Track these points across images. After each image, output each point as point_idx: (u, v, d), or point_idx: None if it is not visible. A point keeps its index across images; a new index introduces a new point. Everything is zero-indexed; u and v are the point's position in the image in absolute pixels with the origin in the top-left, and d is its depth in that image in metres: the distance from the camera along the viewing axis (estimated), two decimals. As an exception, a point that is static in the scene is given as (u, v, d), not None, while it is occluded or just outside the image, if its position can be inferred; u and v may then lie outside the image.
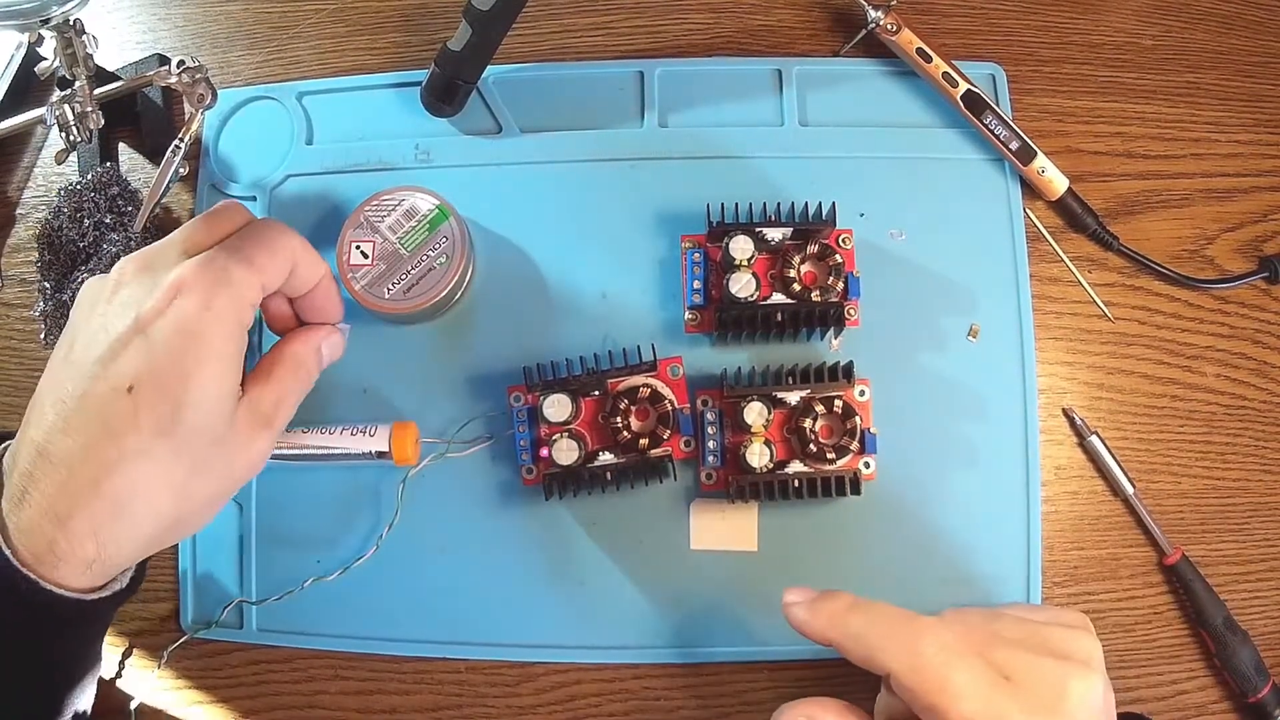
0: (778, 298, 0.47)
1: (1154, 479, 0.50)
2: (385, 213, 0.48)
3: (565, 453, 0.45)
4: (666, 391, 0.46)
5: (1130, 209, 0.52)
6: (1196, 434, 0.50)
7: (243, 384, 0.40)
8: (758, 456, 0.45)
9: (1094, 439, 0.49)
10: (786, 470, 0.45)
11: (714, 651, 0.48)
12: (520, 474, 0.47)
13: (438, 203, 0.48)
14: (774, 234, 0.47)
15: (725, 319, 0.47)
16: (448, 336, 0.50)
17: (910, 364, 0.49)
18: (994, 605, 0.43)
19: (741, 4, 0.55)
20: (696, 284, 0.48)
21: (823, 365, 0.46)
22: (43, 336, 0.48)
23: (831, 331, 0.49)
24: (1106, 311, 0.51)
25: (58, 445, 0.36)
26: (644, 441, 0.45)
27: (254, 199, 0.52)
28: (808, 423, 0.45)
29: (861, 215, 0.51)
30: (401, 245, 0.47)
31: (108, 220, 0.49)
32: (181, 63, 0.49)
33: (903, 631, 0.37)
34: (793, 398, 0.46)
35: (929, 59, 0.51)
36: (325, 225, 0.52)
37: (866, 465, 0.46)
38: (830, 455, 0.44)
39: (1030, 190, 0.52)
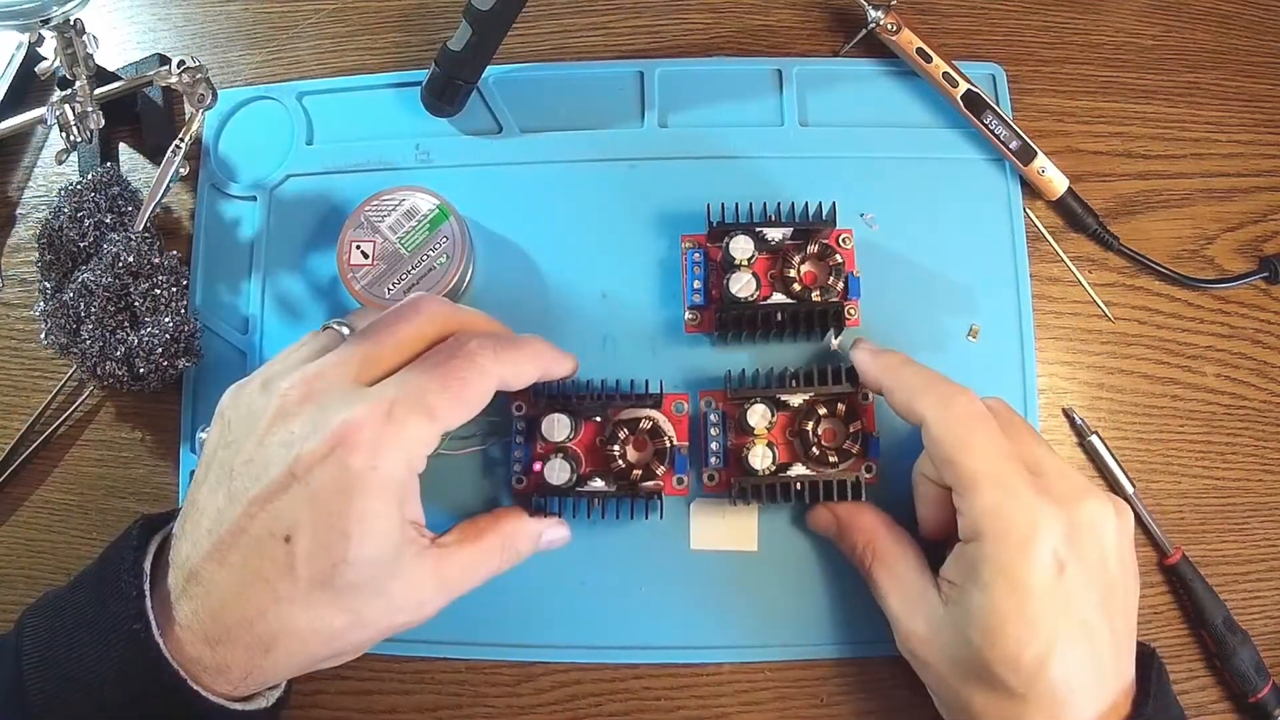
0: (778, 298, 0.47)
1: (1154, 479, 0.50)
2: (385, 213, 0.48)
3: (557, 473, 0.44)
4: (668, 427, 0.46)
5: (1130, 209, 0.52)
6: (1196, 434, 0.50)
7: (435, 534, 0.38)
8: (760, 459, 0.45)
9: (1094, 439, 0.49)
10: (789, 473, 0.45)
11: (714, 651, 0.48)
12: (511, 482, 0.47)
13: (438, 203, 0.48)
14: (774, 234, 0.47)
15: (725, 319, 0.47)
16: (448, 336, 0.50)
17: (910, 364, 0.49)
18: None
19: (741, 4, 0.55)
20: (696, 284, 0.48)
21: (826, 367, 0.46)
22: (43, 336, 0.48)
23: (831, 332, 0.49)
24: (1106, 311, 0.51)
25: (211, 574, 0.35)
26: (636, 473, 0.45)
27: (254, 199, 0.52)
28: (810, 426, 0.45)
29: (862, 215, 0.51)
30: (402, 245, 0.47)
31: (108, 220, 0.49)
32: (181, 63, 0.49)
33: (943, 387, 0.41)
34: (796, 400, 0.45)
35: (929, 59, 0.51)
36: (325, 225, 0.52)
37: (869, 469, 0.46)
38: (833, 459, 0.44)
39: (1030, 190, 0.52)
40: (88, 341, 0.47)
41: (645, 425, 0.45)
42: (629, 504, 0.45)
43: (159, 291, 0.48)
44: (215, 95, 0.50)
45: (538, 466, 0.45)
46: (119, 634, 0.34)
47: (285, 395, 0.36)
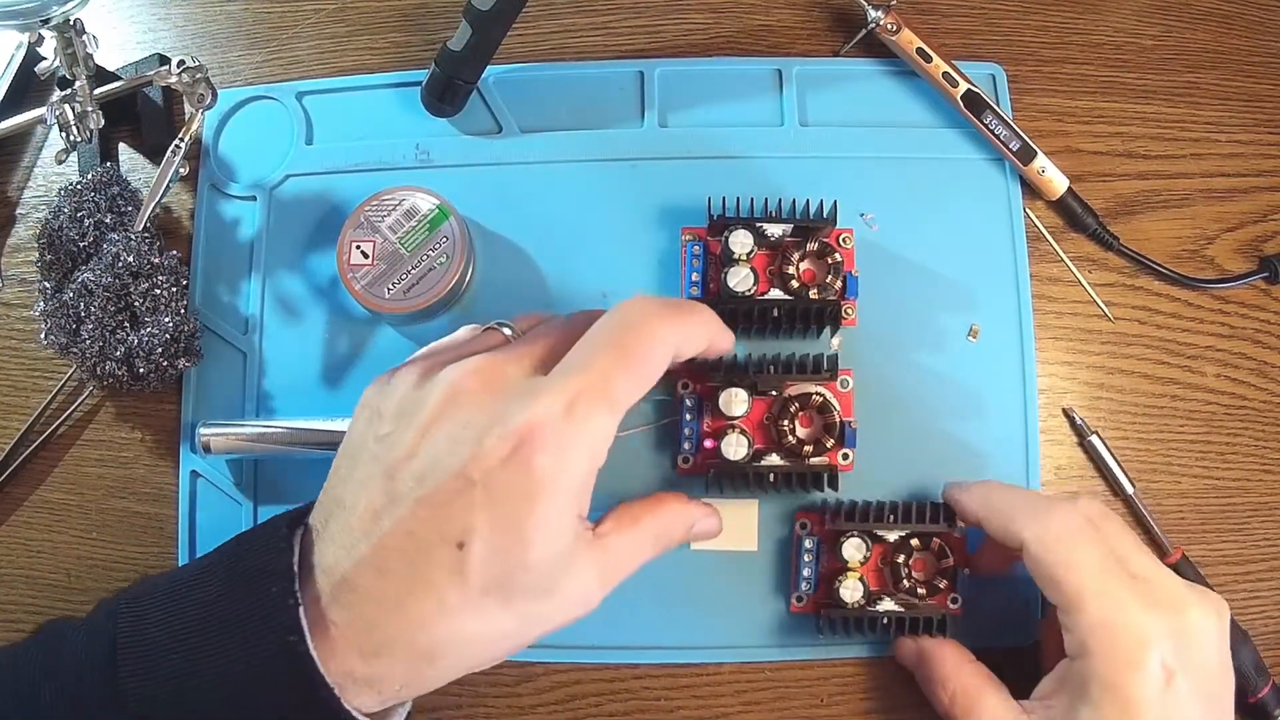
0: (776, 293, 0.47)
1: (1154, 479, 0.50)
2: (385, 213, 0.48)
3: (734, 447, 0.44)
4: (835, 402, 0.45)
5: (1130, 209, 0.52)
6: (1196, 434, 0.50)
7: (593, 524, 0.36)
8: (851, 592, 0.44)
9: (1094, 439, 0.49)
10: (878, 607, 0.44)
11: (714, 651, 0.48)
12: (677, 461, 0.46)
13: (438, 203, 0.48)
14: (774, 230, 0.47)
15: (722, 312, 0.46)
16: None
17: (909, 364, 0.49)
18: None
19: (741, 4, 0.55)
20: (695, 276, 0.48)
21: (925, 505, 0.45)
22: (43, 336, 0.48)
23: (828, 330, 0.49)
24: (1106, 311, 0.51)
25: (368, 582, 0.33)
26: (808, 448, 0.44)
27: (254, 199, 0.52)
28: (903, 559, 0.44)
29: (862, 215, 0.51)
30: (401, 245, 0.47)
31: (108, 220, 0.49)
32: (181, 63, 0.49)
33: (1038, 506, 0.40)
34: (892, 536, 0.45)
35: (929, 59, 0.51)
36: (325, 225, 0.52)
37: (954, 600, 0.44)
38: (921, 592, 0.44)
39: (1030, 190, 0.52)
40: (88, 341, 0.47)
41: (817, 400, 0.45)
42: (804, 479, 0.45)
43: (159, 291, 0.48)
44: (215, 95, 0.50)
45: (710, 443, 0.45)
46: (264, 643, 0.32)
47: (455, 386, 0.34)
